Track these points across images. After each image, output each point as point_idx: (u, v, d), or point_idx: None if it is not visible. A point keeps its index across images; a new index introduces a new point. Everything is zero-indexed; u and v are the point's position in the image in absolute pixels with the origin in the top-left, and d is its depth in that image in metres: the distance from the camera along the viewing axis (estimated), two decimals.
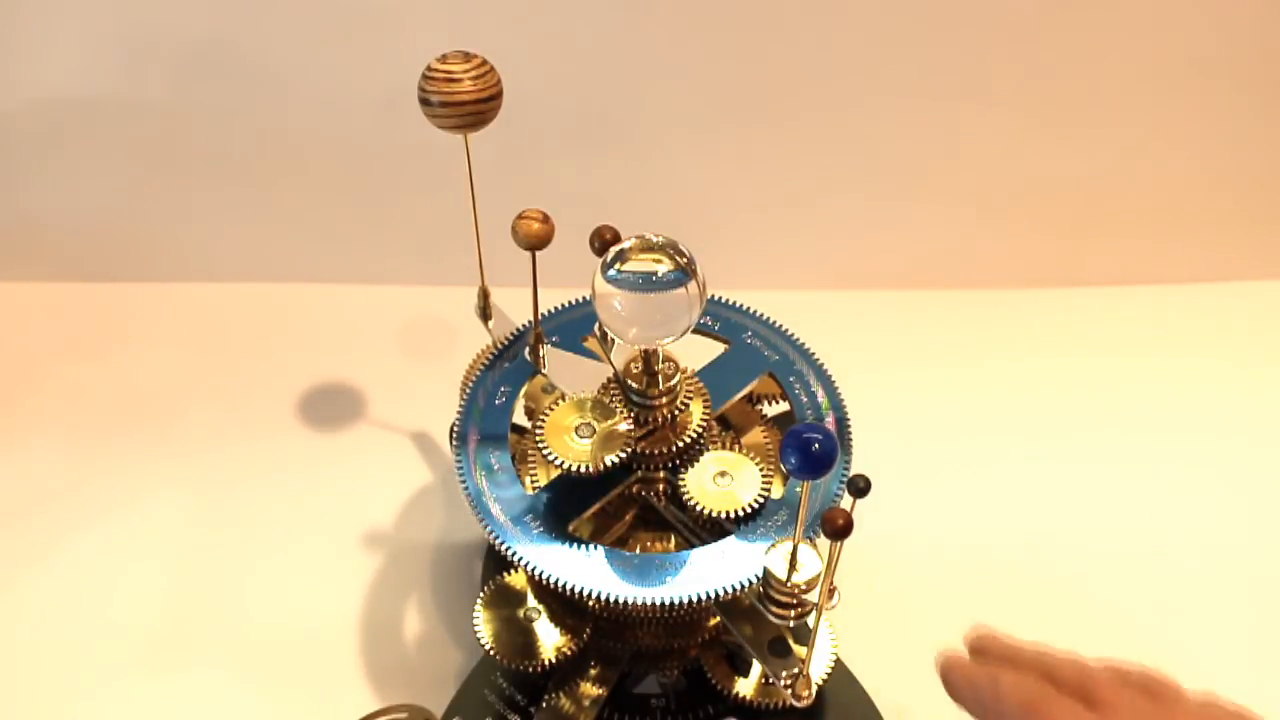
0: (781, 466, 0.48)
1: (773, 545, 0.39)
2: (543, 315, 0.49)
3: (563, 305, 0.51)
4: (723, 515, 0.42)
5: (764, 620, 0.40)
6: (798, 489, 0.43)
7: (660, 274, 0.40)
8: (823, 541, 0.36)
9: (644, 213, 0.70)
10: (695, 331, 0.45)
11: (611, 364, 0.46)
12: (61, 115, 0.70)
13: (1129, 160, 0.72)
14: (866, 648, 0.51)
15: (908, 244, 0.74)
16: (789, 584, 0.38)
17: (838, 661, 0.48)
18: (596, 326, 0.49)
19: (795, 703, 0.40)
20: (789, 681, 0.40)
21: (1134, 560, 0.58)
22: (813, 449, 0.33)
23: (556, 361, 0.49)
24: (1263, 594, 0.56)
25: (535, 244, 0.42)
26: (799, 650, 0.41)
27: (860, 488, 0.33)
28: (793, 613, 0.39)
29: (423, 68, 0.42)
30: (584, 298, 0.50)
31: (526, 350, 0.49)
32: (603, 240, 0.41)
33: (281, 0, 0.66)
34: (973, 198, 0.73)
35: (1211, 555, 0.58)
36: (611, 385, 0.45)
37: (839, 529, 0.33)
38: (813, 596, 0.38)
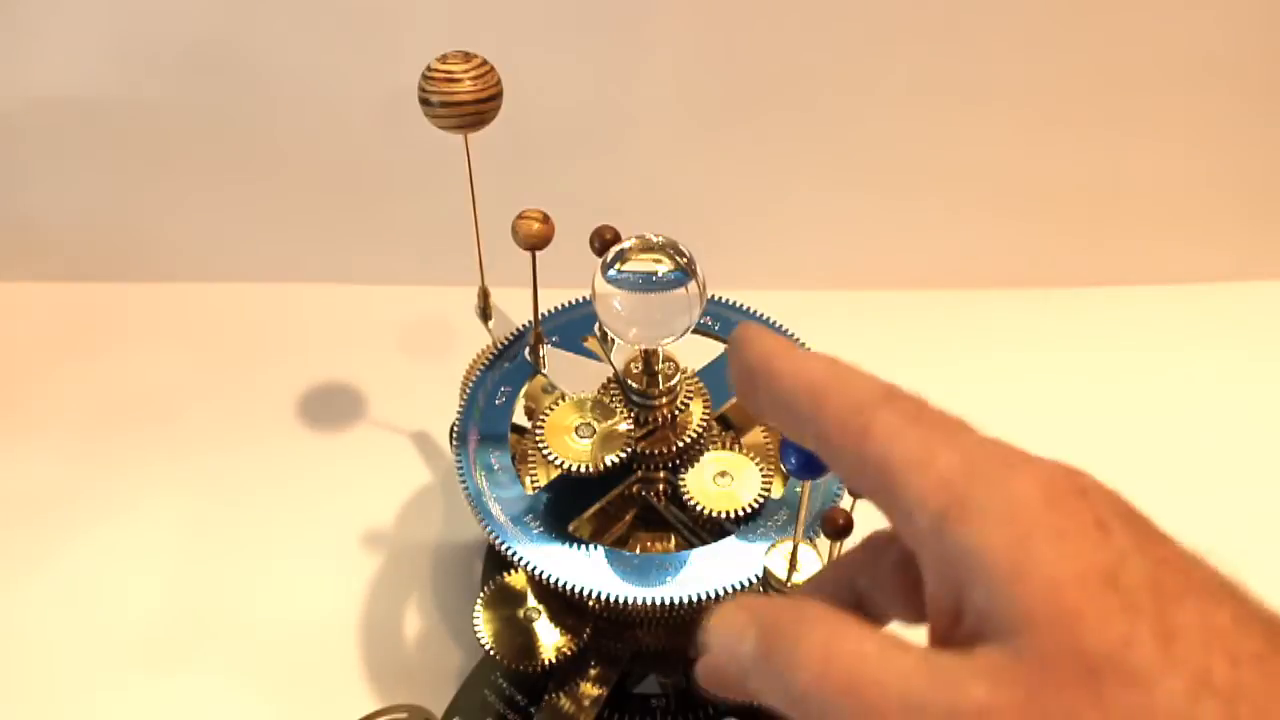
0: (782, 467, 0.48)
1: (773, 545, 0.39)
2: (543, 315, 0.49)
3: (563, 305, 0.51)
4: (723, 515, 0.42)
5: None
6: (798, 489, 0.43)
7: (660, 274, 0.40)
8: (823, 541, 0.36)
9: (644, 213, 0.70)
10: (695, 331, 0.45)
11: (611, 364, 0.46)
12: (61, 115, 0.70)
13: (1129, 160, 0.72)
14: None
15: (908, 244, 0.74)
16: (789, 584, 0.38)
17: None
18: (596, 326, 0.49)
19: None
20: None
21: None
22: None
23: (556, 361, 0.49)
24: (1266, 591, 0.56)
25: (535, 244, 0.42)
26: None
27: (841, 527, 0.33)
28: None
29: (423, 68, 0.42)
30: (584, 298, 0.50)
31: (526, 350, 0.49)
32: (603, 240, 0.41)
33: (281, 0, 0.66)
34: (973, 198, 0.73)
35: (1215, 555, 0.58)
36: (611, 385, 0.45)
37: (839, 528, 0.33)
38: None
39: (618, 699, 0.48)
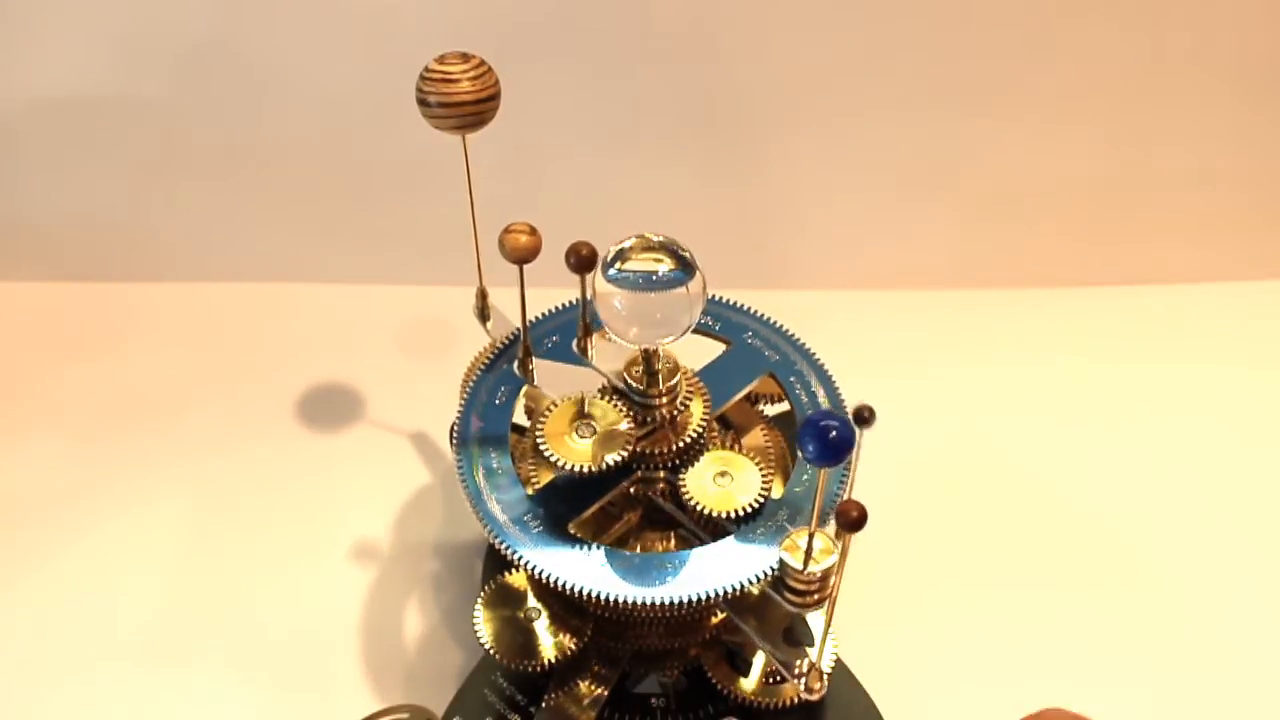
0: (786, 462, 0.48)
1: (787, 536, 0.38)
2: (539, 317, 0.49)
3: (563, 305, 0.51)
4: (723, 515, 0.42)
5: (772, 614, 0.39)
6: (798, 489, 0.43)
7: (660, 273, 0.40)
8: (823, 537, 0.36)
9: (644, 213, 0.70)
10: (695, 331, 0.45)
11: (602, 373, 0.46)
12: (61, 115, 0.70)
13: (1130, 160, 0.72)
14: (866, 648, 0.51)
15: (909, 244, 0.74)
16: (805, 573, 0.37)
17: (838, 661, 0.48)
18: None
19: (808, 695, 0.40)
20: (802, 672, 0.40)
21: (1138, 560, 0.58)
22: (830, 436, 0.32)
23: (546, 373, 0.48)
24: (1262, 592, 0.56)
25: (523, 257, 0.42)
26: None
27: (864, 417, 0.32)
28: (812, 599, 0.38)
29: (421, 68, 0.42)
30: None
31: (515, 365, 0.48)
32: (579, 257, 0.40)
33: (281, 0, 0.66)
34: (973, 198, 0.73)
35: (1213, 556, 0.58)
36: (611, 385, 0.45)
37: (853, 521, 0.33)
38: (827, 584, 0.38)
39: (618, 699, 0.48)
